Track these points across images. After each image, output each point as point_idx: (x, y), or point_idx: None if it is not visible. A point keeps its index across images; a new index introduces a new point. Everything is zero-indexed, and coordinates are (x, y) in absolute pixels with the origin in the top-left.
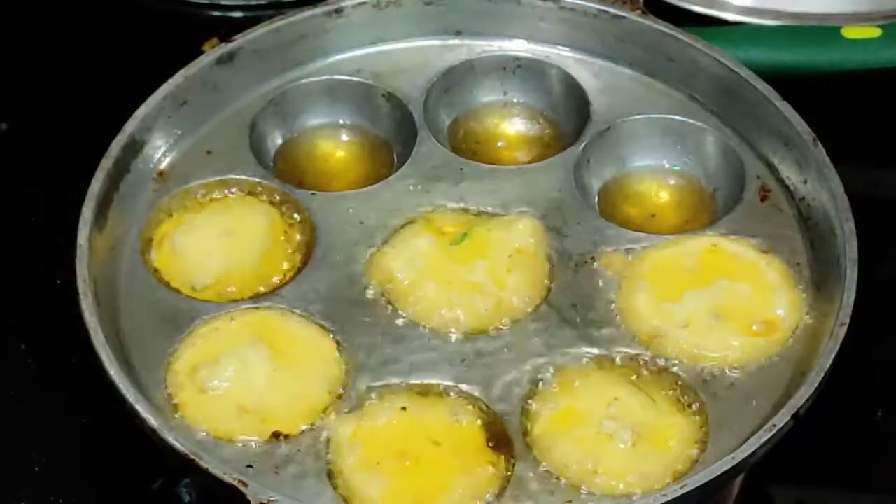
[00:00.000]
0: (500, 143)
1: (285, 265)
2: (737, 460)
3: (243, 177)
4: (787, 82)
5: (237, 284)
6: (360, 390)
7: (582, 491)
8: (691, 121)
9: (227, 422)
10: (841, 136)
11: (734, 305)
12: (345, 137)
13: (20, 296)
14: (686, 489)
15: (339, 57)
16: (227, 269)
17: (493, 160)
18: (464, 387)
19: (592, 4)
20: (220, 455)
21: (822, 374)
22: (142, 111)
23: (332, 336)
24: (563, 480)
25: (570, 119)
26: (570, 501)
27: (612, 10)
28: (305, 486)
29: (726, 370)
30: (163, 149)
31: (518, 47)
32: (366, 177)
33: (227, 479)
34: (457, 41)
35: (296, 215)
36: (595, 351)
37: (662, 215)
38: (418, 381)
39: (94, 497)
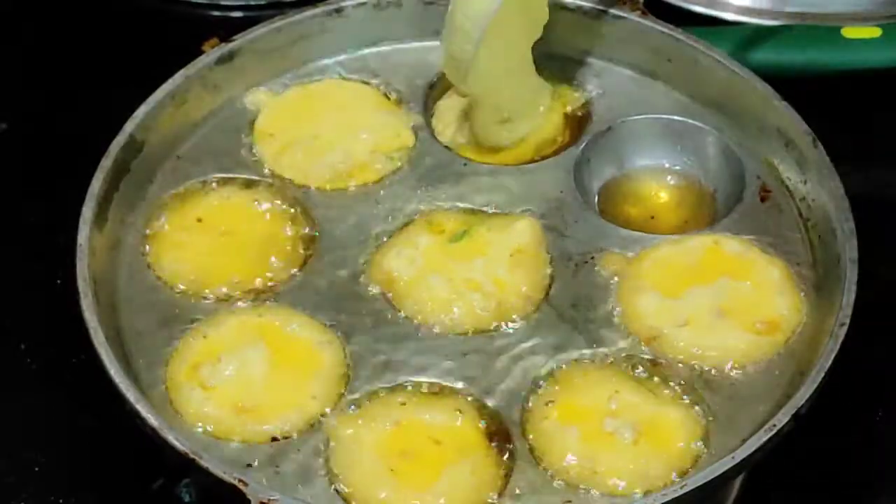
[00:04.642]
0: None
1: (286, 264)
2: (737, 460)
3: (243, 176)
4: (787, 82)
5: (237, 283)
6: (361, 389)
7: (582, 490)
8: (691, 121)
9: (227, 421)
10: (841, 136)
11: (735, 304)
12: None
13: (20, 296)
14: (686, 489)
15: (339, 57)
16: (228, 269)
17: (493, 160)
18: (464, 386)
19: (592, 4)
20: (220, 454)
21: (822, 374)
22: (142, 111)
23: (332, 335)
24: (564, 479)
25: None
26: (569, 501)
27: (612, 10)
28: (305, 486)
29: (727, 370)
30: (163, 149)
31: None
32: None
33: (227, 478)
34: None
35: (297, 214)
36: (595, 350)
37: (662, 215)
38: (418, 380)
39: (94, 497)
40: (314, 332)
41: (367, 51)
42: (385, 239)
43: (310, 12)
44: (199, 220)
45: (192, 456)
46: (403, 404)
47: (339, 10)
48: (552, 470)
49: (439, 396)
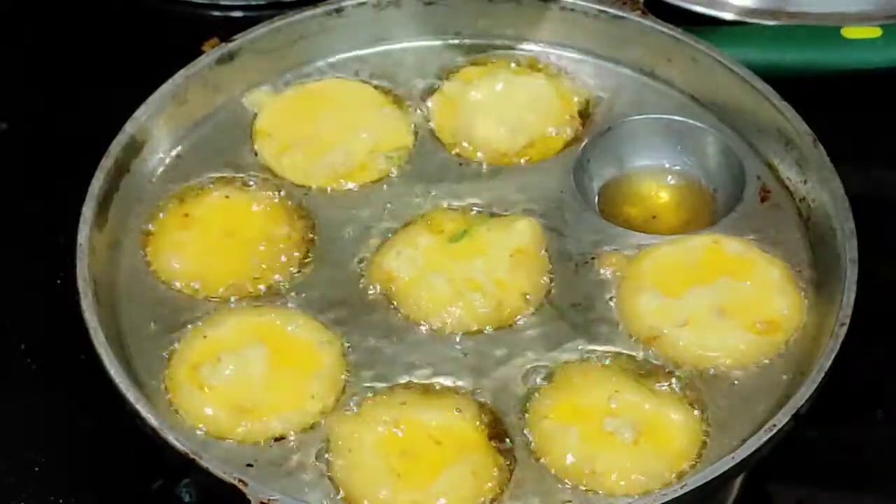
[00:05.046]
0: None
1: (285, 264)
2: (737, 460)
3: (244, 175)
4: (787, 82)
5: (237, 284)
6: (361, 389)
7: (582, 490)
8: (691, 121)
9: (228, 421)
10: (841, 136)
11: (735, 304)
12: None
13: (20, 296)
14: (686, 489)
15: (339, 57)
16: (228, 269)
17: (494, 160)
18: (464, 386)
19: (592, 4)
20: (220, 454)
21: (822, 374)
22: (142, 111)
23: (332, 335)
24: (564, 479)
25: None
26: (569, 501)
27: (612, 10)
28: (305, 486)
29: (727, 370)
30: (163, 149)
31: (518, 47)
32: None
33: (227, 478)
34: (457, 41)
35: (297, 214)
36: (595, 350)
37: (662, 216)
38: (419, 381)
39: (94, 497)
40: (314, 332)
41: (367, 51)
42: (385, 239)
43: (310, 12)
44: (199, 221)
45: (192, 456)
46: (403, 404)
47: (339, 10)
48: (552, 470)
49: (439, 396)
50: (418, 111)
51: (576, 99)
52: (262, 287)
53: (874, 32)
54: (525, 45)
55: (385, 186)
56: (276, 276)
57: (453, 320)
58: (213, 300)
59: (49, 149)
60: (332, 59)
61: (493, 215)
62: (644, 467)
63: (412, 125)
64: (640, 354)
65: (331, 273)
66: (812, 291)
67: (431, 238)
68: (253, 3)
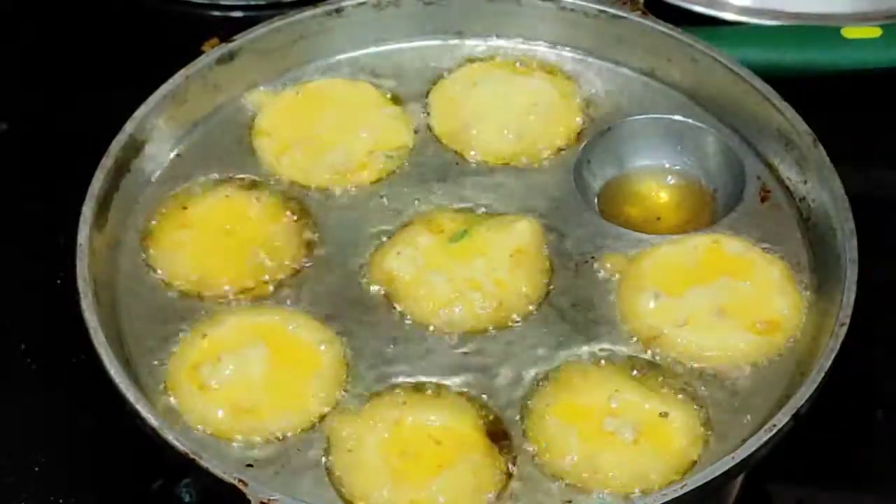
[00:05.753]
0: None
1: (285, 264)
2: (737, 460)
3: (244, 176)
4: (787, 82)
5: (237, 284)
6: (361, 389)
7: (582, 490)
8: (691, 121)
9: (228, 421)
10: (841, 136)
11: (735, 304)
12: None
13: (20, 296)
14: (686, 489)
15: (339, 57)
16: (227, 269)
17: (494, 160)
18: (464, 386)
19: (592, 4)
20: (220, 454)
21: (822, 374)
22: (142, 111)
23: (332, 335)
24: (564, 479)
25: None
26: (569, 501)
27: (612, 10)
28: (305, 486)
29: (726, 370)
30: (163, 149)
31: (518, 47)
32: None
33: (227, 478)
34: (457, 41)
35: (297, 214)
36: (596, 350)
37: (662, 216)
38: (418, 380)
39: (94, 497)
40: (314, 332)
41: (366, 51)
42: (385, 239)
43: (310, 12)
44: (199, 220)
45: (192, 456)
46: (403, 404)
47: (339, 10)
48: (552, 470)
49: (439, 396)
50: (418, 111)
51: (576, 99)
52: (261, 287)
53: (874, 32)
54: (525, 45)
55: (385, 186)
56: (276, 276)
57: (453, 320)
58: (213, 300)
59: (49, 149)
60: (332, 59)
61: (493, 215)
62: (644, 467)
63: (412, 125)
64: (640, 354)
65: (331, 273)
66: (812, 291)
67: (431, 238)
68: (253, 3)
